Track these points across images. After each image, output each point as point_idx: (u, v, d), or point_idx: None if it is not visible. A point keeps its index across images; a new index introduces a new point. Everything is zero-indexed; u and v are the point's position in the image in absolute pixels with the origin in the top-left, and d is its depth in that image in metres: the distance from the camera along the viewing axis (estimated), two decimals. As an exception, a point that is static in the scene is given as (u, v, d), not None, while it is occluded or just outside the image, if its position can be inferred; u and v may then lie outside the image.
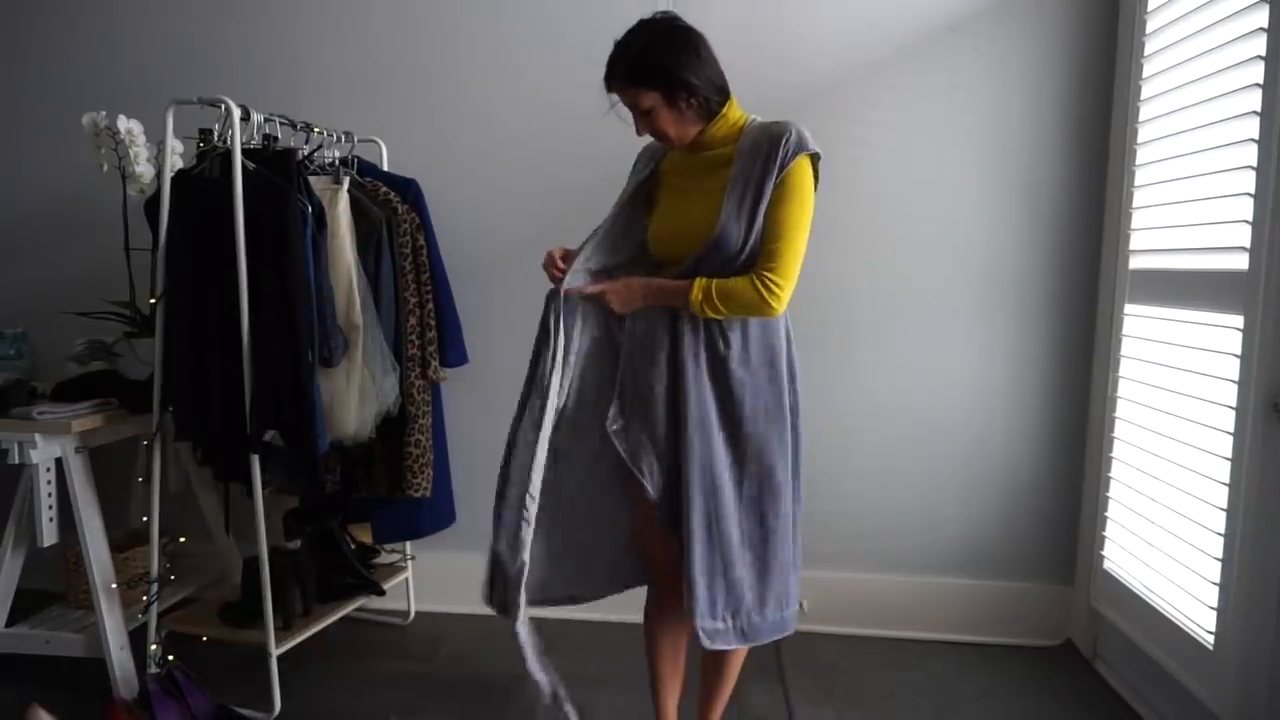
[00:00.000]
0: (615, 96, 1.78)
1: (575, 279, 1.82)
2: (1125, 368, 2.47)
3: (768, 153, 1.70)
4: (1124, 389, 2.48)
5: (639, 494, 1.85)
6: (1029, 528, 2.78)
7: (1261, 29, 1.87)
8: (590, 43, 2.76)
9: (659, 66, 1.70)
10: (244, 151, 2.14)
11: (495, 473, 2.86)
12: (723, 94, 1.77)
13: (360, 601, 2.62)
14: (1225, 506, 1.95)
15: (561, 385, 1.81)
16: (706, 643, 1.79)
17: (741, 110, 1.81)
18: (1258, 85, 1.88)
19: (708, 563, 1.78)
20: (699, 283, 1.72)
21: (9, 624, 2.39)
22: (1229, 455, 1.95)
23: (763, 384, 1.79)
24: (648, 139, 1.86)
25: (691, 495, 1.76)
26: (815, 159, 1.74)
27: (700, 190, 1.78)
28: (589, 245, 1.85)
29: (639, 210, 1.90)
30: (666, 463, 1.81)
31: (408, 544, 2.83)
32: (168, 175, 2.22)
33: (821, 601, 2.81)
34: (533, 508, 1.78)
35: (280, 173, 2.16)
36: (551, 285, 1.82)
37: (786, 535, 1.83)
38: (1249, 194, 1.91)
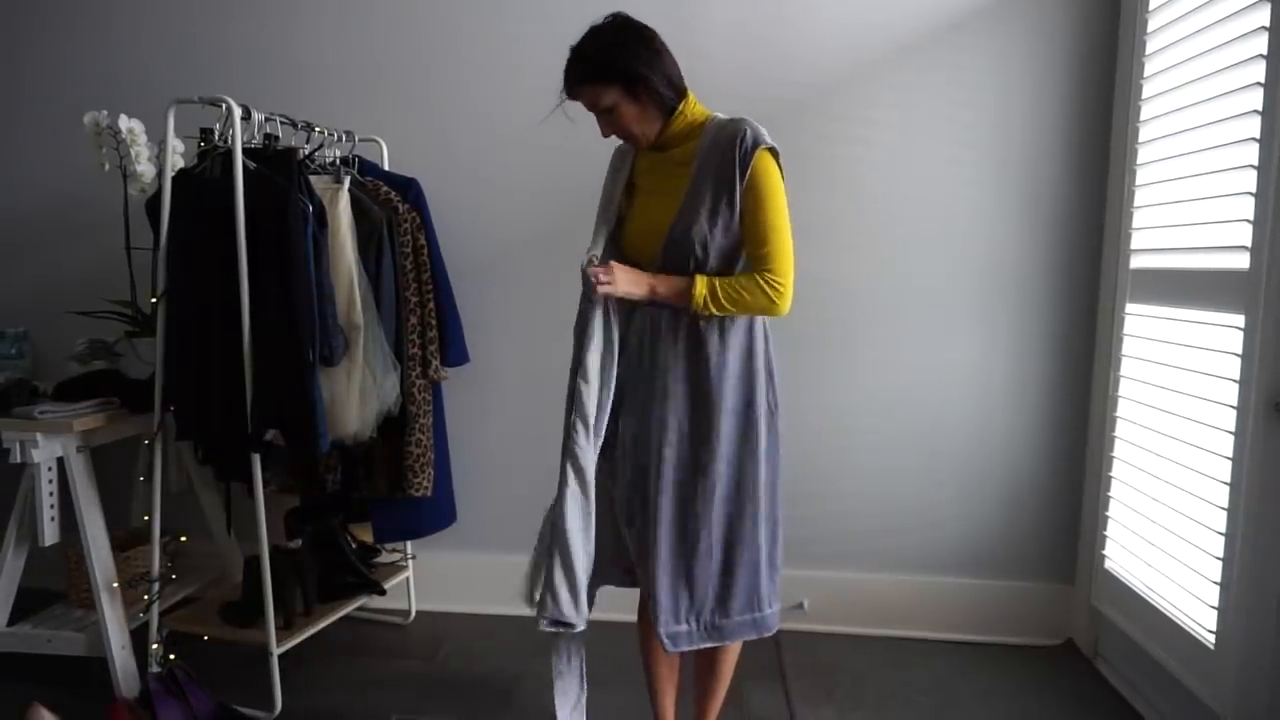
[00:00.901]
0: (564, 101, 1.80)
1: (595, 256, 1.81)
2: (1126, 367, 2.47)
3: (726, 154, 1.69)
4: (1125, 388, 2.47)
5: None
6: (1030, 527, 2.77)
7: (1263, 28, 1.87)
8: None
9: (615, 61, 1.70)
10: (245, 151, 2.14)
11: (496, 471, 2.89)
12: (679, 91, 1.76)
13: (361, 601, 2.62)
14: (1226, 506, 1.95)
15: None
16: (669, 645, 1.79)
17: (704, 108, 1.80)
18: (1259, 84, 1.88)
19: (672, 566, 1.78)
20: (702, 280, 1.70)
21: (11, 623, 2.39)
22: (1230, 455, 1.95)
23: (737, 383, 1.78)
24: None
25: (659, 497, 1.76)
26: (774, 153, 1.73)
27: (665, 191, 1.78)
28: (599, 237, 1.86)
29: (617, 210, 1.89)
30: (632, 461, 1.82)
31: (408, 543, 2.84)
32: (169, 175, 2.22)
33: (822, 601, 2.81)
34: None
35: (281, 172, 2.16)
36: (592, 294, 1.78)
37: (758, 535, 1.81)
38: (1250, 193, 1.90)
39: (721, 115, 1.78)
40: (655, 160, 1.83)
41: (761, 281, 1.70)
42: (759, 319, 1.81)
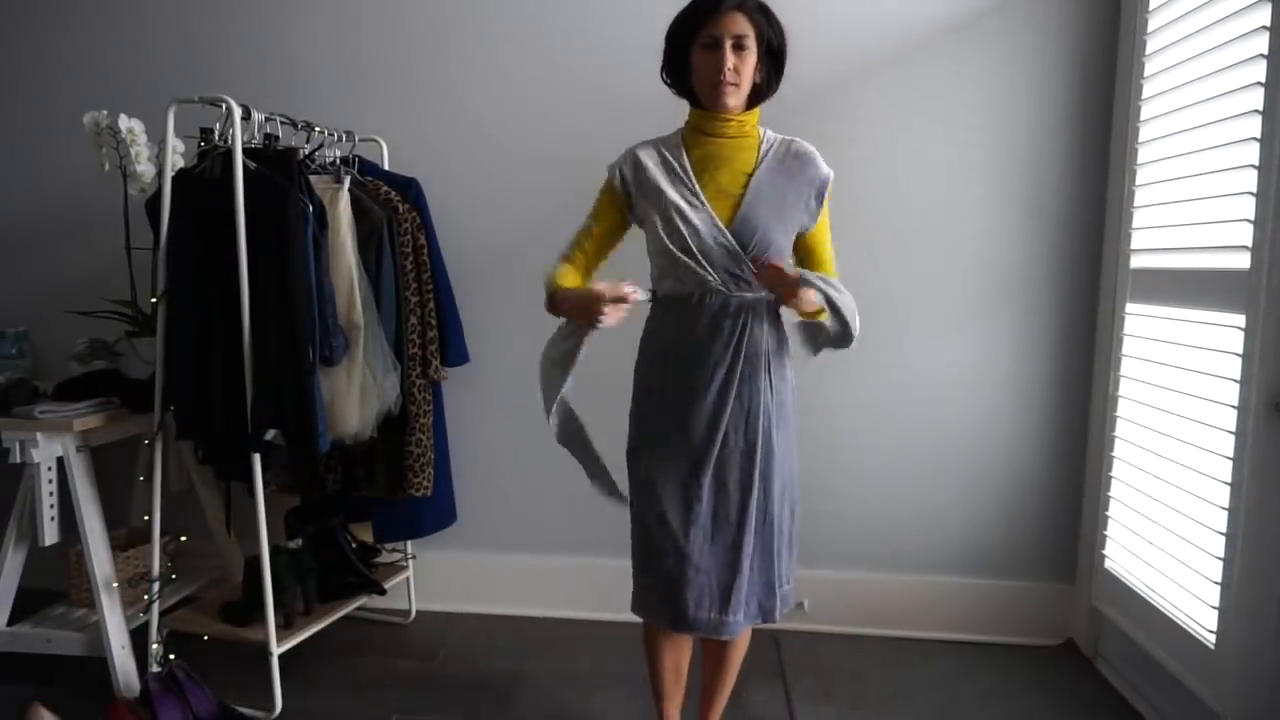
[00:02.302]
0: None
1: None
2: (1127, 367, 2.47)
3: (813, 191, 1.85)
4: (1125, 388, 2.47)
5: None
6: (1030, 527, 2.77)
7: (1264, 27, 1.87)
8: (590, 42, 2.76)
9: (776, 23, 1.81)
10: (245, 151, 2.14)
11: (496, 471, 2.89)
12: (769, 94, 1.87)
13: (361, 601, 2.62)
14: (1227, 506, 1.95)
15: None
16: (727, 633, 1.83)
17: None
18: (1259, 84, 1.88)
19: (743, 564, 1.83)
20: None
21: (10, 623, 2.39)
22: (1231, 454, 1.94)
23: (790, 389, 1.92)
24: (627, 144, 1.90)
25: (731, 495, 1.84)
26: None
27: (721, 189, 1.81)
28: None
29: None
30: (695, 465, 1.83)
31: (408, 543, 2.83)
32: (169, 174, 2.22)
33: (823, 601, 2.81)
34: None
35: (281, 172, 2.16)
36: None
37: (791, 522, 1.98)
38: (1250, 193, 1.90)
39: (770, 130, 1.88)
40: (707, 150, 1.82)
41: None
42: None
